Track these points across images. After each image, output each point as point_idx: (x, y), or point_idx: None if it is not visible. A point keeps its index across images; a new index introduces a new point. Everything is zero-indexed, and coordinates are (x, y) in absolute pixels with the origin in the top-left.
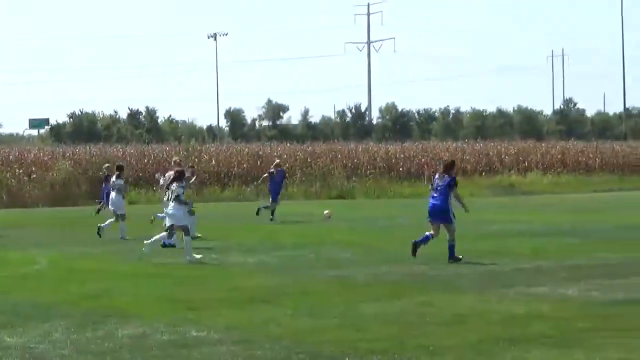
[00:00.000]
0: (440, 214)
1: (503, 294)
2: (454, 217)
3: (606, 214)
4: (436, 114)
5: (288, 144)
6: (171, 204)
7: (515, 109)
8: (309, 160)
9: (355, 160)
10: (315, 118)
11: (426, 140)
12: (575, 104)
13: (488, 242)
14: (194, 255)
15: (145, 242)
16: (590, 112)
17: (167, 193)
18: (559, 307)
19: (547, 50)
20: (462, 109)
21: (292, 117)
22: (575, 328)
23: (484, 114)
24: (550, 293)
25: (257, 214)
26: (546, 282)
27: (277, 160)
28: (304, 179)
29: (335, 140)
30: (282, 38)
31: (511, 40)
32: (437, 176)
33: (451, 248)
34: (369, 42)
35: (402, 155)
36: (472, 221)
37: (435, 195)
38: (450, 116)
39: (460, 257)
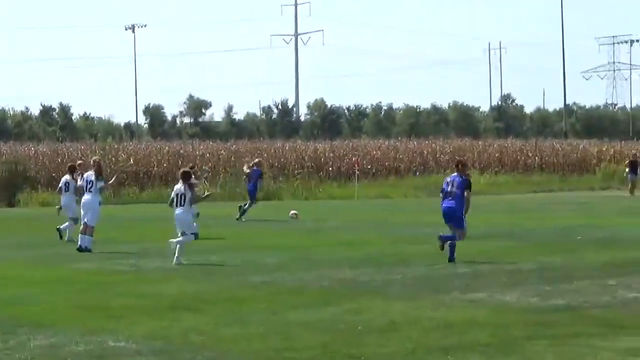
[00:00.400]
0: (453, 217)
1: (438, 300)
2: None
3: (546, 215)
4: (367, 110)
5: (211, 142)
6: (179, 209)
7: (451, 105)
8: (233, 159)
9: (282, 160)
10: (239, 115)
11: (357, 138)
12: (513, 100)
13: (423, 246)
14: (182, 260)
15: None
16: (529, 109)
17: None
18: (496, 313)
19: (483, 43)
20: (395, 105)
21: (215, 113)
22: (513, 336)
23: (418, 110)
24: (488, 299)
25: (240, 217)
26: (484, 287)
27: (257, 160)
28: (227, 179)
29: (261, 139)
30: (204, 30)
31: (446, 33)
32: (449, 178)
33: (452, 248)
34: (296, 35)
35: (331, 154)
36: (407, 223)
37: (448, 197)
38: (383, 113)
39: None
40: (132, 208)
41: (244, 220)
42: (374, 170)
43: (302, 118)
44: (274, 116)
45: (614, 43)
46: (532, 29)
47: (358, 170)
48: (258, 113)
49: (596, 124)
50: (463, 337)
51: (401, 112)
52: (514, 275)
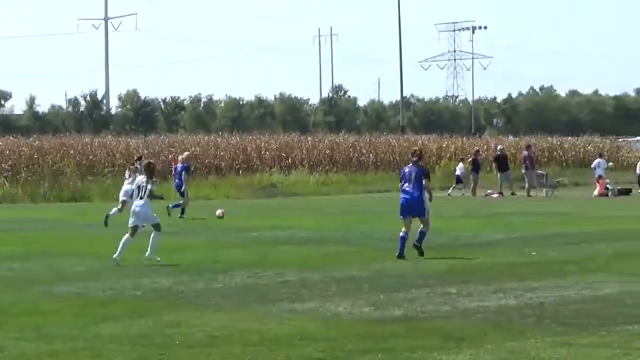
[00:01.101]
0: (416, 207)
1: (264, 311)
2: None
3: (382, 217)
4: (185, 102)
5: (11, 138)
6: (140, 201)
7: (277, 97)
8: (36, 156)
9: (90, 157)
10: (43, 107)
11: (174, 134)
12: (345, 92)
13: (247, 251)
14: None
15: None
16: (363, 101)
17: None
18: (328, 325)
19: (313, 29)
20: (216, 97)
21: (16, 106)
22: (347, 350)
23: (241, 102)
24: (319, 309)
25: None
26: (314, 297)
27: (186, 153)
28: (30, 178)
29: (67, 133)
30: (1, 12)
31: (272, 17)
32: (407, 169)
33: (422, 234)
34: (106, 19)
35: (145, 151)
36: (230, 227)
37: (407, 189)
38: (202, 105)
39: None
40: None
41: (185, 217)
42: (192, 169)
43: (113, 111)
44: (82, 109)
45: (454, 30)
46: (366, 14)
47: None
48: (64, 105)
49: (436, 117)
50: (291, 351)
51: (222, 104)
52: (346, 283)
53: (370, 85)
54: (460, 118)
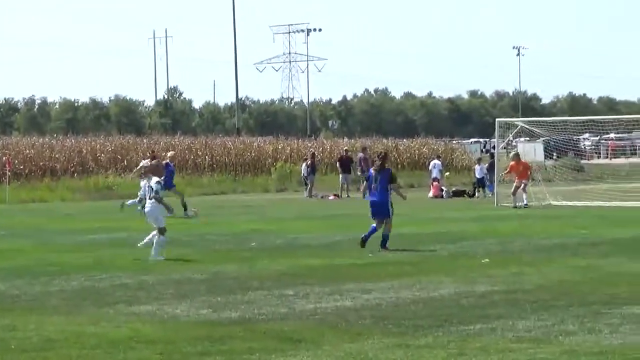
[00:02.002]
0: (380, 209)
1: (101, 314)
2: (393, 210)
3: (218, 220)
4: (19, 104)
5: None
6: (149, 202)
7: (113, 99)
8: None
9: None
10: None
11: (7, 136)
12: (181, 94)
13: (83, 254)
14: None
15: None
16: (198, 103)
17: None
18: (165, 328)
19: (148, 31)
20: (50, 99)
21: None
22: (184, 352)
23: (76, 104)
24: (156, 312)
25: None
26: (151, 299)
27: (170, 153)
28: None
29: None
30: None
31: (108, 18)
32: (372, 171)
33: (385, 237)
34: None
35: None
36: (65, 230)
37: (374, 191)
38: (36, 107)
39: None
40: None
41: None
42: (27, 171)
43: None
44: None
45: (289, 32)
46: (201, 15)
47: (9, 171)
48: None
49: (271, 119)
50: (128, 354)
51: (57, 106)
52: (183, 285)
53: (205, 87)
54: (295, 120)
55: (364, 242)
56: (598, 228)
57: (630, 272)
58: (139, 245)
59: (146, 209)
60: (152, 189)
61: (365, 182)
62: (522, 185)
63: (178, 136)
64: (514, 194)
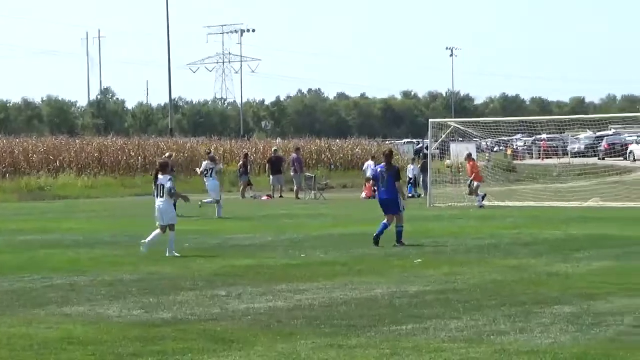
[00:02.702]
0: (391, 206)
1: (32, 315)
2: (403, 204)
3: (151, 220)
4: None
5: None
6: (160, 199)
7: (45, 99)
8: None
9: None
10: None
11: None
12: (113, 94)
13: (14, 255)
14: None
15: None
16: (131, 104)
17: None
18: (98, 329)
19: (81, 31)
20: None
21: None
22: (117, 353)
23: (8, 105)
24: (88, 313)
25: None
26: (83, 300)
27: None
28: None
29: None
30: None
31: (40, 19)
32: (379, 168)
33: (399, 232)
34: None
35: None
36: None
37: (383, 188)
38: None
39: (405, 242)
40: None
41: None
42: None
43: None
44: None
45: (223, 32)
46: (135, 16)
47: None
48: None
49: (205, 120)
50: (60, 356)
51: None
52: (115, 286)
53: (138, 87)
54: (229, 120)
55: (376, 240)
56: (530, 228)
57: (561, 272)
58: (141, 249)
59: (157, 206)
60: (164, 186)
61: (372, 180)
62: (476, 185)
63: (111, 137)
64: (475, 194)
